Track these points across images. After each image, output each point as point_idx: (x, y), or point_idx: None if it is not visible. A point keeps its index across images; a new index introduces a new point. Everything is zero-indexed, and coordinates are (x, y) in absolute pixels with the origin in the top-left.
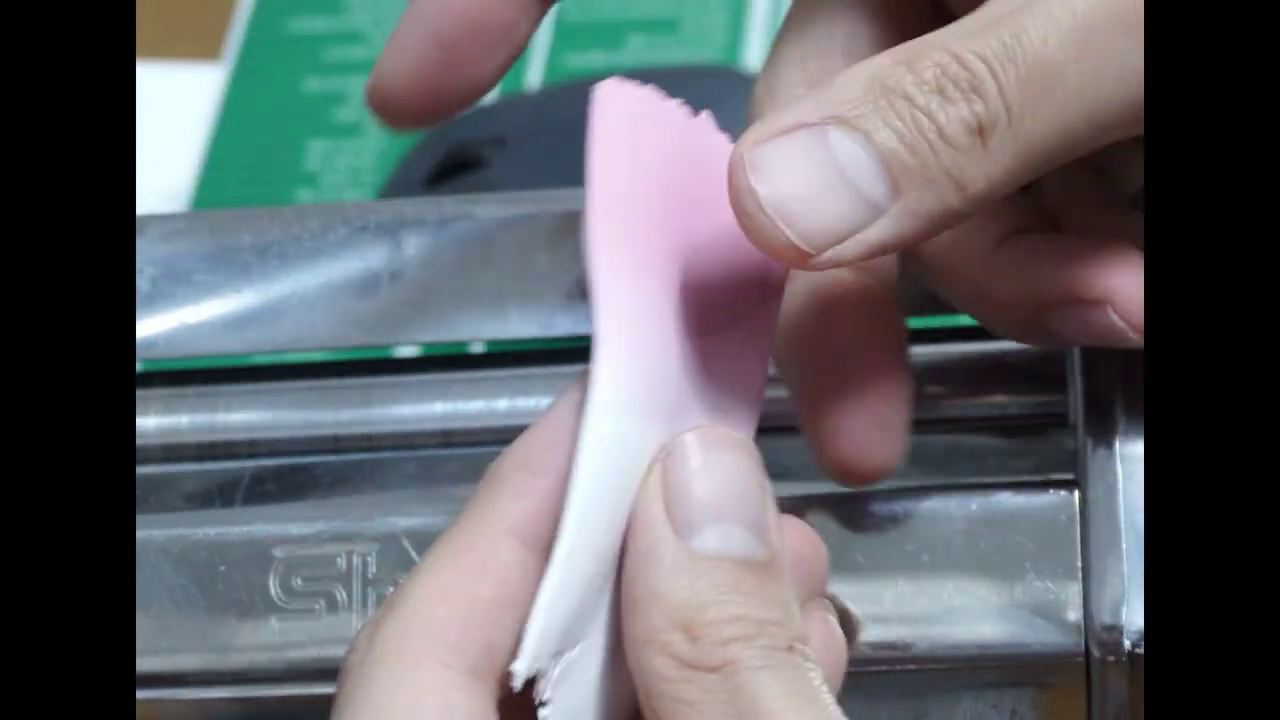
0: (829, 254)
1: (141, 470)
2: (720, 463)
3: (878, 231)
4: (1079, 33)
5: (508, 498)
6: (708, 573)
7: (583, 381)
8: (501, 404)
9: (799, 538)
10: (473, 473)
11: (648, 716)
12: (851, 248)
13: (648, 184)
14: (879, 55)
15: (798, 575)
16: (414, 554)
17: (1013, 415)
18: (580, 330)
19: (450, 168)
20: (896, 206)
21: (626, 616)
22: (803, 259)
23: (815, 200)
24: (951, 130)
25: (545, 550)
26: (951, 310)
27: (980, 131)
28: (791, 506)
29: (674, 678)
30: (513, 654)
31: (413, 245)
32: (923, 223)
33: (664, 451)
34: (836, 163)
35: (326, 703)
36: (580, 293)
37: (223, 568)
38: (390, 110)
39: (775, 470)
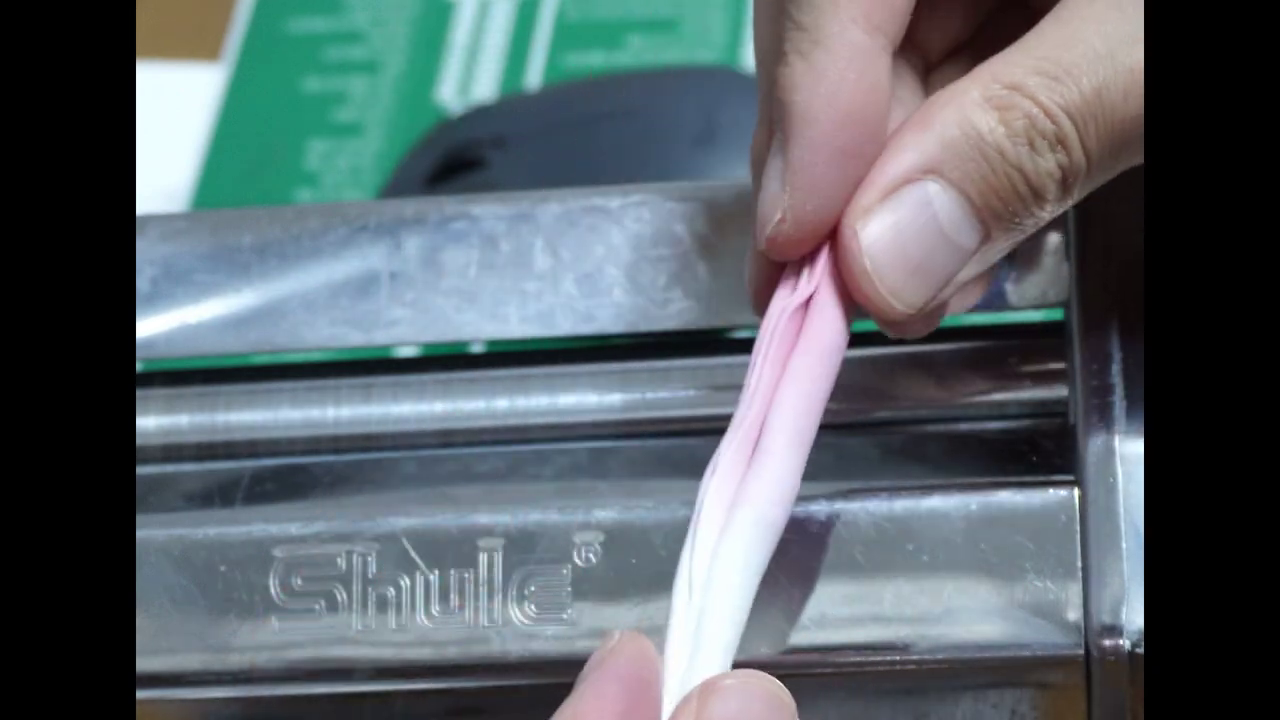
0: (930, 306)
1: (141, 470)
2: (755, 713)
3: (967, 272)
4: None
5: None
6: None
7: (625, 647)
8: (501, 404)
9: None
10: (472, 473)
11: None
12: (946, 293)
13: None
14: (967, 86)
15: None
16: (414, 554)
17: (1013, 415)
18: (580, 330)
19: (450, 168)
20: (986, 247)
21: None
22: (907, 317)
23: (921, 267)
24: (1040, 183)
25: None
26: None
27: (1064, 182)
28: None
29: None
30: None
31: (413, 245)
32: (1003, 253)
33: (703, 688)
34: (938, 223)
35: (326, 703)
36: (579, 291)
37: (223, 568)
38: (805, 245)
39: None
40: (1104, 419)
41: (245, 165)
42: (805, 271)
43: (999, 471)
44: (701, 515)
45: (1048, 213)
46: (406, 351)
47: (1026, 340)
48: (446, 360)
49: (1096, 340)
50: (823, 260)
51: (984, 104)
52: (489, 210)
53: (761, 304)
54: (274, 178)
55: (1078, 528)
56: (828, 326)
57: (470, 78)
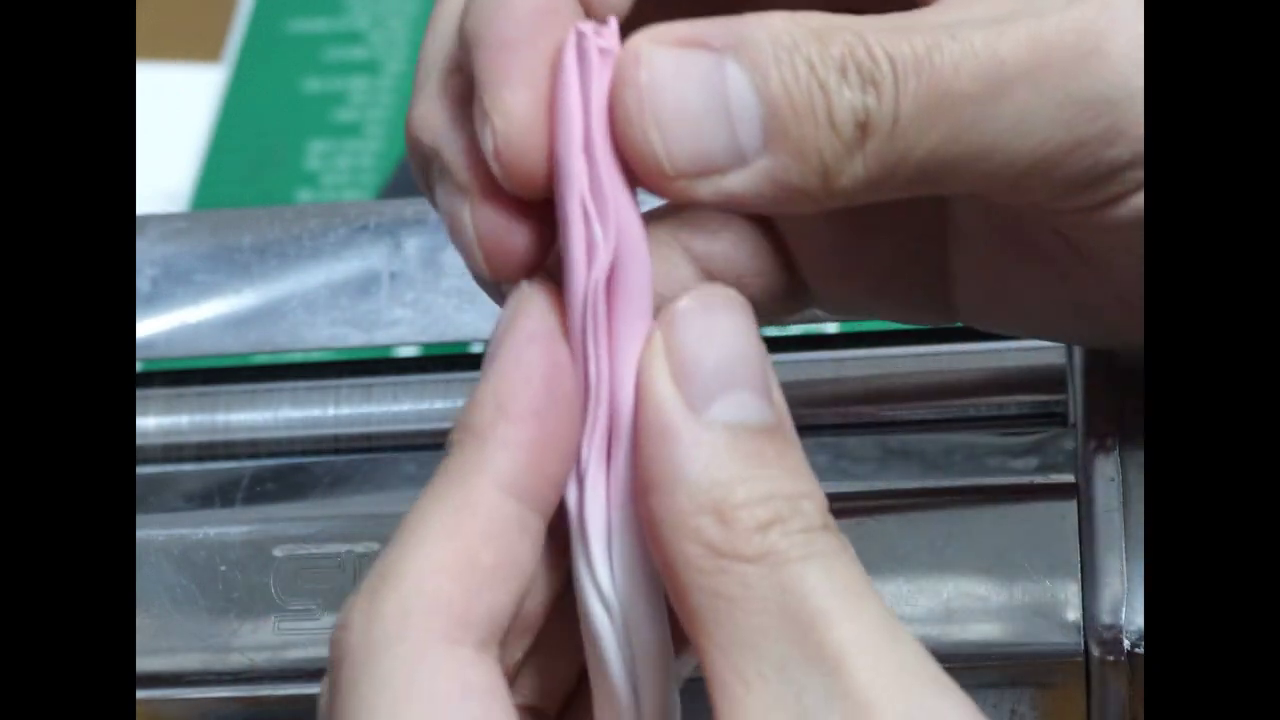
0: (682, 184)
1: (141, 470)
2: (722, 326)
3: (734, 182)
4: (993, 75)
5: (495, 450)
6: (728, 446)
7: (534, 299)
8: None
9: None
10: None
11: (680, 612)
12: (705, 187)
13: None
14: (792, 14)
15: None
16: None
17: (1013, 415)
18: None
19: None
20: (760, 163)
21: (649, 499)
22: (658, 178)
23: (693, 123)
24: (839, 113)
25: (538, 504)
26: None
27: (863, 127)
28: None
29: (709, 568)
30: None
31: (413, 245)
32: (776, 191)
33: (663, 318)
34: (725, 94)
35: None
36: None
37: (223, 568)
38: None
39: None
40: (1104, 419)
41: (245, 165)
42: (594, 227)
43: (999, 472)
44: (589, 532)
45: (839, 161)
46: (406, 351)
47: (1027, 340)
48: (446, 360)
49: None
50: (611, 204)
51: (805, 30)
52: None
53: (497, 267)
54: (274, 178)
55: (1078, 528)
56: (639, 280)
57: None
